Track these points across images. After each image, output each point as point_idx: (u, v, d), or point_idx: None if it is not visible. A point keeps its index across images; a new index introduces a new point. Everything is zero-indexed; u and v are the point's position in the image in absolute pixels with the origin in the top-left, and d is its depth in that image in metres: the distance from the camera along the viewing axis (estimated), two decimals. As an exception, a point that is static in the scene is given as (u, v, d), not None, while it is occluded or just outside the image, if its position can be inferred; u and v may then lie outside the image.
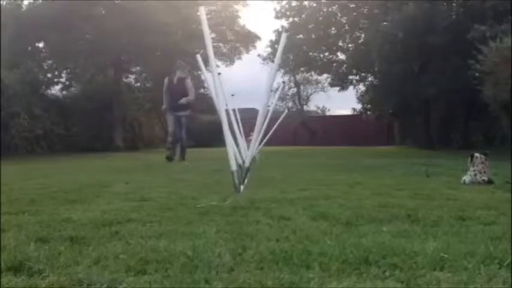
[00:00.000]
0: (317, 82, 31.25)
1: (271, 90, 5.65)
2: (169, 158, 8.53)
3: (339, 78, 22.57)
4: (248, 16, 61.16)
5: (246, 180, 3.80)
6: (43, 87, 15.89)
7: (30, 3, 16.68)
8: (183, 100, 8.78)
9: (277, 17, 21.88)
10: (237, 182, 3.44)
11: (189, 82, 9.01)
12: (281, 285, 1.35)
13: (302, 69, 25.27)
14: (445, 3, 15.09)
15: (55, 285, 1.36)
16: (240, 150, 4.48)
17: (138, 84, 20.51)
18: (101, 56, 16.66)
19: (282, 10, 21.70)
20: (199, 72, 19.05)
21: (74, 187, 3.94)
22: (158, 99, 18.28)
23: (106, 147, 15.59)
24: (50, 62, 17.97)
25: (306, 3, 21.41)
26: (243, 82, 35.56)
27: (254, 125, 4.20)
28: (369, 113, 23.58)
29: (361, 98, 23.40)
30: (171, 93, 8.92)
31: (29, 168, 7.37)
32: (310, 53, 22.32)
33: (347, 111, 30.65)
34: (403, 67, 15.20)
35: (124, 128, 17.50)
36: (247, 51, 23.59)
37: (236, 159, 3.78)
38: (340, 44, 22.13)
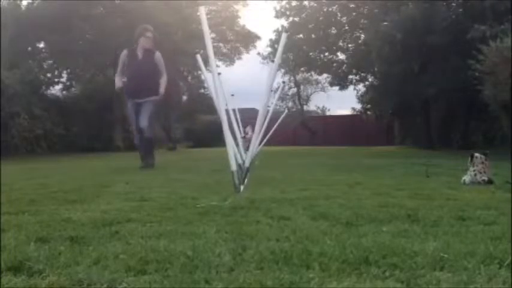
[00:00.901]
0: (317, 82, 31.24)
1: (271, 90, 5.64)
2: (143, 163, 6.53)
3: (339, 78, 22.59)
4: (248, 16, 61.21)
5: (246, 180, 3.80)
6: (43, 87, 15.91)
7: (29, 3, 16.71)
8: (161, 92, 6.53)
9: (277, 17, 21.89)
10: (237, 182, 3.44)
11: (160, 56, 6.65)
12: (281, 285, 1.35)
13: (302, 69, 25.28)
14: (444, 3, 15.10)
15: (55, 285, 1.36)
16: (240, 150, 4.48)
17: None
18: (101, 56, 16.68)
19: (282, 10, 21.71)
20: (199, 72, 19.12)
21: (74, 187, 3.94)
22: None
23: (106, 147, 15.59)
24: (50, 62, 18.00)
25: (306, 3, 21.41)
26: (243, 82, 35.65)
27: (252, 124, 4.20)
28: (369, 113, 23.59)
29: (361, 98, 23.43)
30: (133, 72, 6.56)
31: (29, 168, 7.37)
32: (310, 53, 22.32)
33: (347, 111, 30.68)
34: (403, 67, 15.20)
35: (124, 128, 17.51)
36: (247, 51, 23.63)
37: (236, 159, 3.78)
38: (340, 44, 22.14)
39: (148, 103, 6.51)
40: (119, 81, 6.65)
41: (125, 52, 6.73)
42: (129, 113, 6.77)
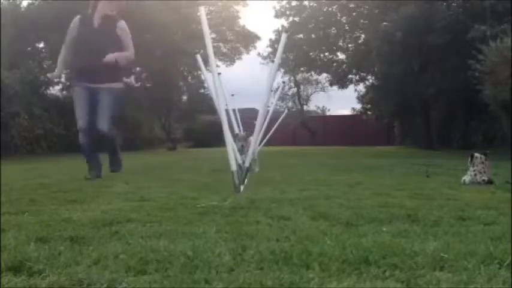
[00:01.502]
0: (317, 82, 31.24)
1: (271, 90, 5.64)
2: (90, 175, 4.68)
3: (339, 77, 22.62)
4: (248, 16, 61.28)
5: (246, 180, 3.80)
6: (43, 87, 15.91)
7: (29, 3, 16.72)
8: (111, 57, 4.72)
9: (277, 16, 21.92)
10: (237, 182, 3.44)
11: (124, 26, 4.91)
12: (281, 285, 1.35)
13: (302, 69, 25.30)
14: (444, 3, 15.11)
15: (55, 285, 1.36)
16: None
17: (139, 84, 20.53)
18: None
19: (282, 10, 21.73)
20: (199, 72, 19.12)
21: (74, 187, 3.94)
22: (158, 98, 18.33)
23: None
24: (50, 62, 18.00)
25: (306, 3, 21.44)
26: (243, 82, 35.70)
27: (253, 124, 4.20)
28: (369, 113, 23.61)
29: (361, 98, 23.46)
30: (85, 45, 4.83)
31: (29, 168, 7.37)
32: (310, 53, 22.35)
33: (347, 111, 30.70)
34: (403, 67, 15.22)
35: (124, 128, 17.50)
36: (247, 51, 23.66)
37: (236, 159, 3.78)
38: (340, 44, 22.16)
39: (107, 94, 4.82)
40: (60, 65, 5.03)
41: (76, 19, 4.98)
42: (76, 102, 4.88)
